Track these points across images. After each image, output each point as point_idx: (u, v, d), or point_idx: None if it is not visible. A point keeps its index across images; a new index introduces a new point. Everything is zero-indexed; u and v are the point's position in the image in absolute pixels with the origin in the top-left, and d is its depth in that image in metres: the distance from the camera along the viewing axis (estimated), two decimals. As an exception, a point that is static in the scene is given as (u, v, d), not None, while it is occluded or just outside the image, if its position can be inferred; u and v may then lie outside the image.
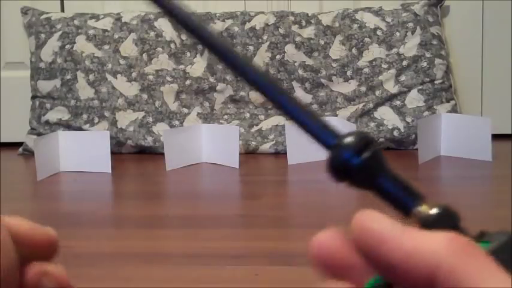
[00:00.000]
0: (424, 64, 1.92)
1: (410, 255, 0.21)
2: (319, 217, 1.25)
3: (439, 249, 0.21)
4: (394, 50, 1.93)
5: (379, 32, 1.94)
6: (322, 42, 1.95)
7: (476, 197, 1.39)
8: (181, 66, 1.96)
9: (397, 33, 1.94)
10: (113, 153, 1.70)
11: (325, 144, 0.24)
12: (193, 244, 1.13)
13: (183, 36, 1.98)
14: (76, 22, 2.01)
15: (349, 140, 0.24)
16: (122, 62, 1.97)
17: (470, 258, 0.21)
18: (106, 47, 1.99)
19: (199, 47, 1.97)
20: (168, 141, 1.69)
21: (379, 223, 0.22)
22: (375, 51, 1.94)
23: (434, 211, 0.24)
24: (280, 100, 0.25)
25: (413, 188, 0.25)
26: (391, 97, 1.90)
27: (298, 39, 1.95)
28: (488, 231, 0.24)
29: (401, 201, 0.24)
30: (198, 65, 1.96)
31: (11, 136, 2.09)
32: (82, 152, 1.68)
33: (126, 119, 1.94)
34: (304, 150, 1.69)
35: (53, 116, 1.98)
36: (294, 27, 1.96)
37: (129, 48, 1.98)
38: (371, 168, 0.24)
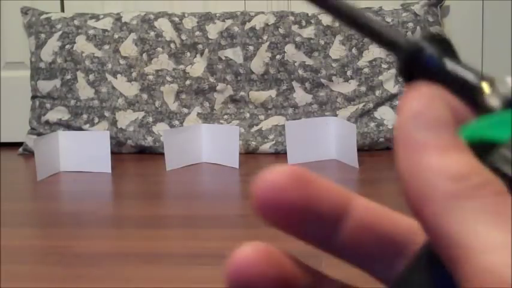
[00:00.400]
0: (424, 64, 1.91)
1: (410, 173, 0.17)
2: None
3: (439, 187, 0.16)
4: (394, 50, 1.93)
5: (379, 32, 1.94)
6: (322, 42, 1.95)
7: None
8: (181, 66, 1.96)
9: (397, 33, 1.94)
10: (113, 153, 1.70)
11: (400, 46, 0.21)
12: (193, 244, 1.13)
13: (183, 36, 1.97)
14: (76, 22, 2.01)
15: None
16: (121, 62, 1.97)
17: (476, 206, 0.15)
18: (106, 47, 1.99)
19: (199, 47, 1.97)
20: (168, 141, 1.69)
21: (420, 125, 0.18)
22: (374, 51, 1.94)
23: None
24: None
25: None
26: (391, 97, 1.90)
27: (298, 39, 1.95)
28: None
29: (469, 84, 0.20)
30: (198, 65, 1.96)
31: (11, 136, 2.08)
32: (82, 152, 1.68)
33: (126, 119, 1.94)
34: (304, 150, 1.69)
35: (53, 116, 1.98)
36: (294, 27, 1.96)
37: (129, 48, 1.98)
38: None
